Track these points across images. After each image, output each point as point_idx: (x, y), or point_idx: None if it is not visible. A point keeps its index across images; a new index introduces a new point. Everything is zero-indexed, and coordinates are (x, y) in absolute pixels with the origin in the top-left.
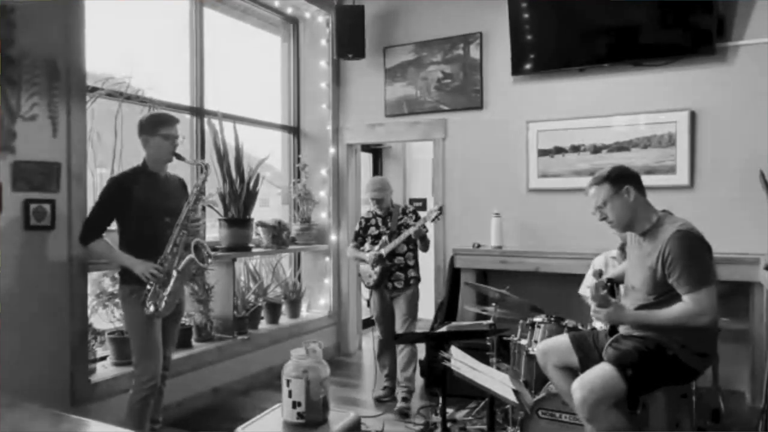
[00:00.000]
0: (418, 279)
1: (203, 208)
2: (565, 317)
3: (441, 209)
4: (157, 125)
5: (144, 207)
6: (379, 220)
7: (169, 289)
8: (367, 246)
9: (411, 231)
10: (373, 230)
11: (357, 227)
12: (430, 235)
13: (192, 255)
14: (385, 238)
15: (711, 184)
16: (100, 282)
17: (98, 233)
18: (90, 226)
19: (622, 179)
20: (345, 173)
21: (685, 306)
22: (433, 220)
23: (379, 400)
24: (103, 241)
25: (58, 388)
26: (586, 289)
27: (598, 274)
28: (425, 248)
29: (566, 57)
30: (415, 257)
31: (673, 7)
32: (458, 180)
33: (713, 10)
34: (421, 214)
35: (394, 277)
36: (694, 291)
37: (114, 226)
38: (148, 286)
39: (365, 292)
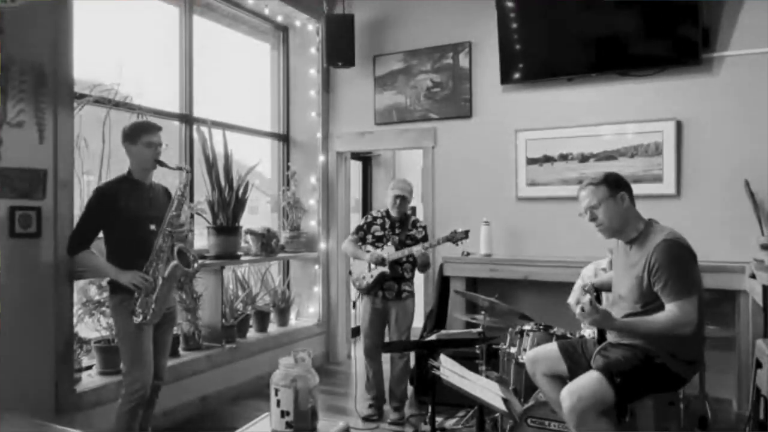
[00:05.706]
0: (411, 293)
1: (191, 216)
2: (554, 325)
3: (467, 234)
4: (139, 133)
5: (129, 216)
6: (388, 222)
7: (155, 296)
8: (367, 246)
9: (427, 245)
10: (377, 230)
11: (362, 221)
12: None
13: (176, 261)
14: (391, 244)
15: (697, 193)
16: (86, 290)
17: (86, 244)
18: (77, 237)
19: (619, 185)
20: (334, 181)
21: (670, 315)
22: (456, 243)
23: (367, 419)
24: (91, 253)
25: (43, 397)
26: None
27: (590, 288)
28: (424, 270)
29: (555, 67)
30: (412, 271)
31: (659, 18)
32: (447, 188)
33: (699, 21)
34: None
35: (387, 285)
36: (678, 300)
37: (101, 235)
38: (136, 295)
39: (353, 295)
